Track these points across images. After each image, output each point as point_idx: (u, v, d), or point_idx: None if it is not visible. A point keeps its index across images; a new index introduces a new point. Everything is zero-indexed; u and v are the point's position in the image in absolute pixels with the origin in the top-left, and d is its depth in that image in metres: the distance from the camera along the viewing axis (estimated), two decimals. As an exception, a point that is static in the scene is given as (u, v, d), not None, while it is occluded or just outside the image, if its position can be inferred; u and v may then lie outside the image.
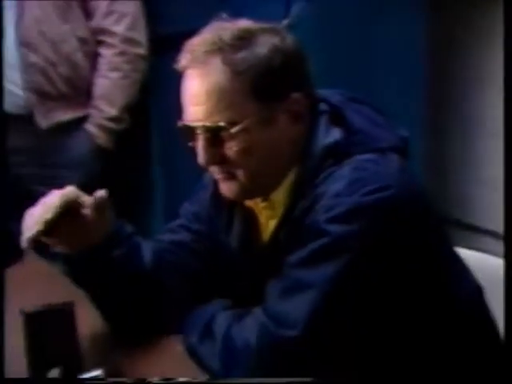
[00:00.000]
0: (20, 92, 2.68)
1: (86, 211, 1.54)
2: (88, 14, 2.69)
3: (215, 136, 1.46)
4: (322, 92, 1.56)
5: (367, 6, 2.87)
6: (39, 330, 1.44)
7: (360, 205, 1.39)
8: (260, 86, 1.44)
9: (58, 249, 1.57)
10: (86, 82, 2.72)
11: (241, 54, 1.44)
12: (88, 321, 1.57)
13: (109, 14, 2.69)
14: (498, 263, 1.78)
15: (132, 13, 2.72)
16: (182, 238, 1.67)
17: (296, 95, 1.48)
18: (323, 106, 1.53)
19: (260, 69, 1.44)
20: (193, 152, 1.51)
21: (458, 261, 1.57)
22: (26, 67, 2.66)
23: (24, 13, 2.64)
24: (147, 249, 1.64)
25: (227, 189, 1.53)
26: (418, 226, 1.45)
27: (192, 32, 1.50)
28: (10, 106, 2.67)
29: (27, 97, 2.68)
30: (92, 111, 2.71)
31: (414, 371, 1.47)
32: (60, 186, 2.66)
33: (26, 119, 2.70)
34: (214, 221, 1.64)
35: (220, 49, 1.44)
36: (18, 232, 2.16)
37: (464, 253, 1.61)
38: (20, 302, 1.55)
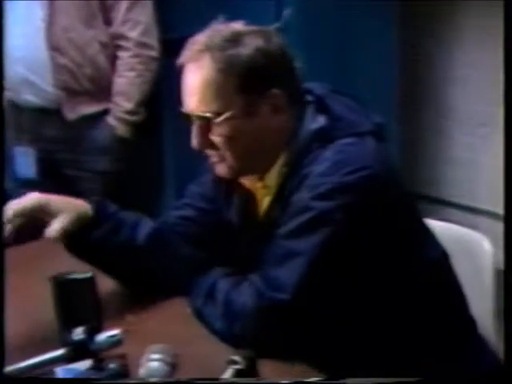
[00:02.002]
0: (51, 89, 2.65)
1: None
2: (108, 22, 2.66)
3: (204, 124, 1.44)
4: (309, 85, 1.52)
5: (347, 14, 2.85)
6: (66, 295, 1.42)
7: (341, 183, 1.36)
8: (243, 82, 1.42)
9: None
10: (107, 81, 2.68)
11: (227, 54, 1.41)
12: (107, 287, 1.55)
13: (125, 21, 2.66)
14: (460, 231, 1.75)
15: (145, 20, 2.69)
16: (188, 214, 1.63)
17: (275, 91, 1.45)
18: (309, 97, 1.50)
19: (243, 67, 1.42)
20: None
21: (426, 229, 1.53)
22: (56, 68, 2.63)
23: (54, 22, 2.60)
24: (144, 224, 1.61)
25: (219, 169, 1.51)
26: (392, 201, 1.42)
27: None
28: (42, 100, 2.67)
29: (57, 93, 2.65)
30: (112, 106, 2.68)
31: (392, 330, 1.44)
32: (88, 169, 2.68)
33: (55, 113, 2.67)
34: (216, 199, 1.60)
35: (210, 48, 1.42)
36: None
37: (431, 223, 1.58)
38: (49, 270, 1.52)
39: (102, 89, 2.68)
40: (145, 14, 2.69)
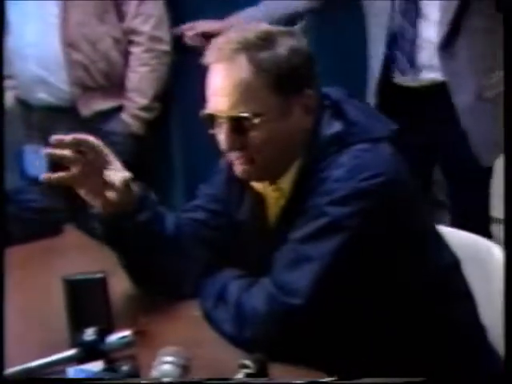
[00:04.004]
0: (64, 86, 2.64)
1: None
2: (120, 17, 2.66)
3: (238, 125, 1.41)
4: (324, 89, 1.52)
5: (351, 19, 2.85)
6: (77, 296, 1.42)
7: (357, 189, 1.36)
8: (280, 83, 1.41)
9: (96, 210, 1.52)
10: (121, 76, 2.68)
11: (264, 54, 1.40)
12: (119, 288, 1.53)
13: (137, 15, 2.65)
14: (470, 237, 1.74)
15: (157, 14, 2.68)
16: (199, 216, 1.62)
17: (309, 91, 1.44)
18: (325, 102, 1.49)
19: (280, 67, 1.40)
20: (213, 139, 1.46)
21: (439, 236, 1.53)
22: (70, 64, 2.62)
23: (68, 17, 2.60)
24: (170, 218, 1.59)
25: (243, 171, 1.48)
26: (406, 207, 1.42)
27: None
28: (55, 98, 2.65)
29: (72, 90, 2.64)
30: (126, 102, 2.68)
31: (403, 336, 1.43)
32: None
33: (68, 110, 2.66)
34: (228, 201, 1.59)
35: (245, 48, 1.40)
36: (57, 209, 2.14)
37: (442, 229, 1.58)
38: (60, 269, 1.53)
39: (115, 84, 2.67)
40: (156, 7, 2.68)
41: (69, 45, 2.60)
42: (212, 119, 1.45)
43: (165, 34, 2.70)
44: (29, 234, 1.91)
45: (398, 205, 1.39)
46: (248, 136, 1.42)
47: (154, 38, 2.67)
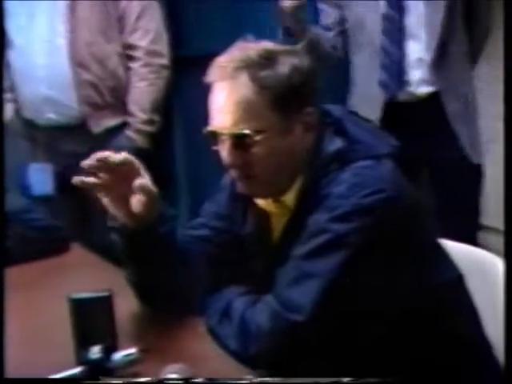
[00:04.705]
0: (74, 105, 2.67)
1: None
2: (122, 32, 2.70)
3: (240, 142, 1.43)
4: (326, 106, 1.53)
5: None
6: (83, 314, 1.42)
7: (358, 206, 1.37)
8: (281, 100, 1.42)
9: (115, 222, 1.52)
10: (127, 92, 2.73)
11: (265, 72, 1.41)
12: (124, 306, 1.53)
13: (135, 30, 2.69)
14: (473, 251, 1.75)
15: (155, 28, 2.72)
16: (203, 234, 1.63)
17: (310, 109, 1.46)
18: (327, 119, 1.50)
19: (281, 85, 1.42)
20: (216, 155, 1.48)
21: (442, 251, 1.53)
22: (81, 84, 2.66)
23: (76, 37, 2.64)
24: (179, 233, 1.60)
25: (246, 187, 1.49)
26: (408, 222, 1.42)
27: (209, 55, 1.47)
28: (64, 118, 2.70)
29: (82, 109, 2.67)
30: (129, 118, 2.71)
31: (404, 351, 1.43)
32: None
33: (76, 128, 2.70)
34: (232, 218, 1.61)
35: (247, 66, 1.41)
36: (63, 227, 2.15)
37: (447, 243, 1.59)
38: (65, 287, 1.53)
39: (122, 101, 2.72)
40: (154, 21, 2.72)
41: (79, 65, 2.64)
42: (215, 136, 1.46)
43: (163, 47, 2.73)
44: (35, 253, 1.92)
45: (400, 221, 1.39)
46: (250, 153, 1.44)
47: (151, 53, 2.70)
